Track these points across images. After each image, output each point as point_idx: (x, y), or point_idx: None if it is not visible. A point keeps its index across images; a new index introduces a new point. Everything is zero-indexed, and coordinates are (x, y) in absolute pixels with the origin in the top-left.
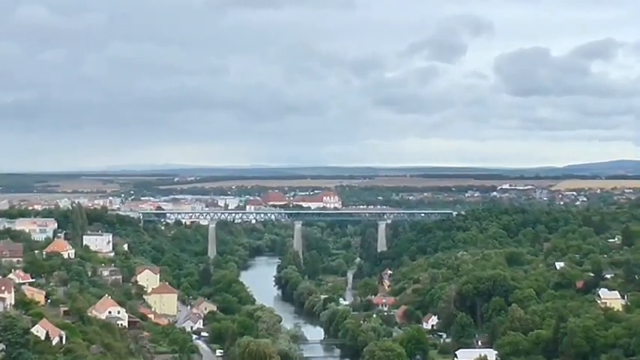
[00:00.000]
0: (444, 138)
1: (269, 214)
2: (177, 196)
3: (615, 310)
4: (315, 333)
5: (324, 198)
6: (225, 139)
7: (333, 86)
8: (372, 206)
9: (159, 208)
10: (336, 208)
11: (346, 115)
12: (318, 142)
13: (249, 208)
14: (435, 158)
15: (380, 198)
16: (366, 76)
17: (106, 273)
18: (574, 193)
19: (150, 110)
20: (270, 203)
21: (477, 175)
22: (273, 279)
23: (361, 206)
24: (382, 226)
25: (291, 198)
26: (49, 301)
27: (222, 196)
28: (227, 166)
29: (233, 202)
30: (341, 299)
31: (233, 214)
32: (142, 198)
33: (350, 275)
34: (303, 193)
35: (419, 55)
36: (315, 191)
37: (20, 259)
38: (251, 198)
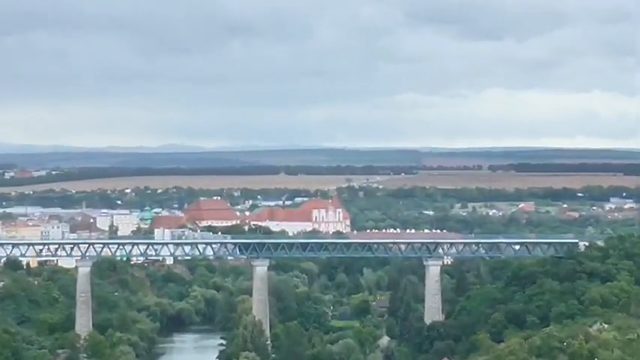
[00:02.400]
0: (556, 89)
1: (201, 247)
2: (10, 209)
3: None
4: None
5: (316, 213)
6: (107, 93)
7: None
8: (412, 230)
9: None
10: (339, 234)
11: (350, 41)
12: (305, 99)
13: (161, 233)
14: (542, 130)
15: (429, 213)
16: None
17: None
18: None
19: None
20: (205, 223)
21: (630, 166)
22: None
23: (391, 230)
24: (434, 270)
25: (248, 213)
26: None
27: (104, 210)
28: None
29: (127, 222)
30: None
31: (127, 247)
32: None
33: None
34: (272, 204)
35: None
36: (297, 199)
37: None
38: (164, 213)
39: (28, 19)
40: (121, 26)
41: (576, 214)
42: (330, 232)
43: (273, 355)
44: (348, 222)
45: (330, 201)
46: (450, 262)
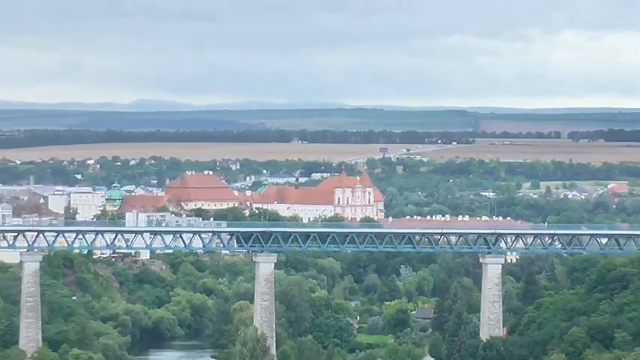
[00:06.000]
0: None
1: (187, 237)
2: None
3: None
4: None
5: (339, 193)
6: (59, 30)
7: None
8: (466, 217)
9: None
10: (369, 221)
11: None
12: (319, 40)
13: (133, 217)
14: (633, 85)
15: (489, 194)
16: None
17: None
18: None
19: None
20: (192, 206)
21: None
22: None
23: (438, 217)
24: (494, 269)
25: (250, 193)
26: None
27: (58, 187)
28: (70, 103)
29: (89, 203)
30: None
31: (88, 237)
32: None
33: None
34: (282, 180)
35: None
36: (314, 175)
37: None
38: (137, 191)
39: None
40: None
41: None
42: (358, 219)
43: None
44: (381, 206)
45: (358, 178)
46: (515, 260)
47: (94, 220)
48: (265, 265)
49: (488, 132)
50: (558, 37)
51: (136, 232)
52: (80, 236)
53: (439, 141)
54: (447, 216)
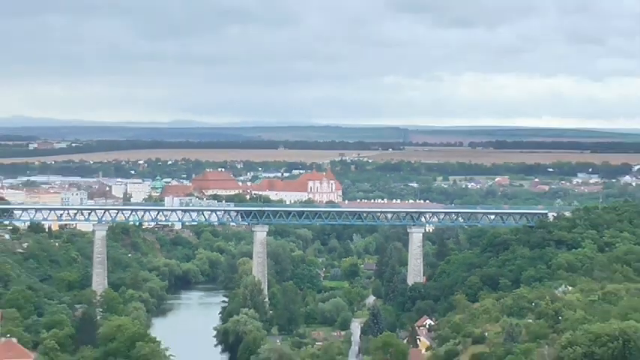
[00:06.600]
0: (526, 73)
1: (206, 214)
2: (34, 178)
3: None
4: None
5: (311, 184)
6: (121, 71)
7: None
8: (398, 200)
9: (0, 200)
10: (331, 204)
11: (337, 27)
12: (300, 79)
13: (170, 201)
14: (515, 111)
15: (413, 185)
16: None
17: None
18: None
19: None
20: (210, 193)
21: (595, 144)
22: (215, 333)
23: (379, 200)
24: (417, 236)
25: (250, 184)
26: None
27: (118, 179)
28: (128, 122)
29: (139, 191)
30: None
31: (139, 213)
32: None
33: (357, 328)
34: (272, 175)
35: None
36: (295, 172)
37: None
38: (173, 182)
39: (43, 2)
40: (126, 11)
41: (546, 188)
42: (324, 202)
43: (271, 312)
44: (340, 193)
45: (324, 173)
46: (431, 230)
47: (143, 202)
48: (260, 233)
49: (413, 142)
50: (461, 77)
51: (171, 210)
52: (134, 213)
53: (379, 148)
54: (385, 200)
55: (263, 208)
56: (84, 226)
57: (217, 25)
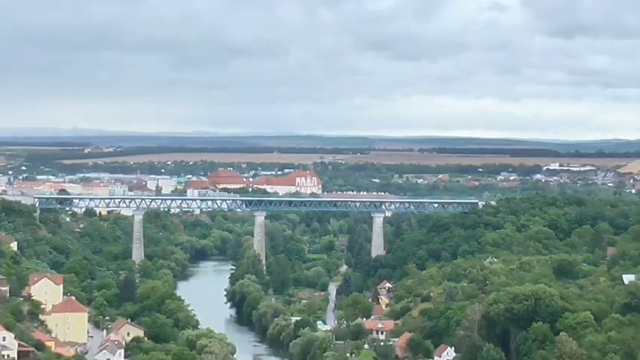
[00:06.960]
0: (461, 96)
1: (219, 202)
2: (88, 175)
3: None
4: None
5: (298, 180)
6: (155, 94)
7: (296, 21)
8: (364, 192)
9: (62, 191)
10: (314, 195)
11: (317, 60)
12: (289, 100)
13: (191, 192)
14: (453, 124)
15: (376, 181)
16: (341, 7)
17: None
18: None
19: (44, 51)
20: (221, 186)
21: (513, 150)
22: (225, 293)
23: (350, 192)
24: (379, 220)
25: (251, 179)
26: None
27: (152, 176)
28: (160, 132)
29: (168, 185)
30: (319, 323)
31: (168, 202)
32: (39, 177)
33: (333, 289)
34: (268, 173)
35: None
36: (286, 170)
37: None
38: (194, 178)
39: (98, 40)
40: (160, 48)
41: (477, 183)
42: (308, 193)
43: (267, 277)
44: (320, 187)
45: (308, 172)
46: (390, 215)
47: (171, 193)
48: (259, 217)
49: (377, 148)
50: (411, 99)
51: (192, 200)
52: (164, 201)
53: (351, 153)
54: (354, 192)
55: (262, 198)
56: (126, 212)
57: (226, 58)
